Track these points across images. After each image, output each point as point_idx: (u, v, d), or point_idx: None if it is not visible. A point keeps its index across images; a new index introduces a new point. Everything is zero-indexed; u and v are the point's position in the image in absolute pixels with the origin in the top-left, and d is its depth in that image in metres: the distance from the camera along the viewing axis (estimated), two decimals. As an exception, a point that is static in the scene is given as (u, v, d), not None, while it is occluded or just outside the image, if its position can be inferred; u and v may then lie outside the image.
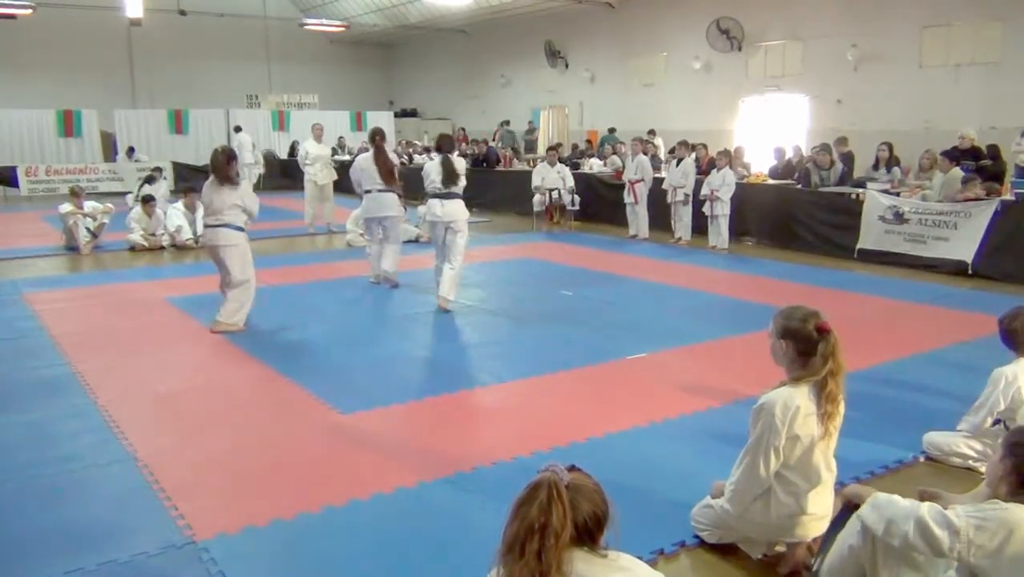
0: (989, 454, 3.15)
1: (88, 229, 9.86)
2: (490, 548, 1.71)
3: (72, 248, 9.82)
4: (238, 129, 17.73)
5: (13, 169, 16.78)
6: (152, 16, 18.32)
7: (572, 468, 1.73)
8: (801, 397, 2.57)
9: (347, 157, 18.10)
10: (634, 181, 10.76)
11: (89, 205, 10.07)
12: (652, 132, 15.27)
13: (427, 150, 18.74)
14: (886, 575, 2.30)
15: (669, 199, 10.48)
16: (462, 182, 6.75)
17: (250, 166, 17.22)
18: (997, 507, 2.07)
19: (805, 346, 2.59)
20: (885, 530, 2.21)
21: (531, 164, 14.37)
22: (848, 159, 10.68)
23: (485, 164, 14.89)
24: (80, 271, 8.88)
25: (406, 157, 17.60)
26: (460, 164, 6.83)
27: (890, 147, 10.26)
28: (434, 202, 6.66)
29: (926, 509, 2.15)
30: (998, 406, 3.42)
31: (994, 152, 9.72)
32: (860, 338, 5.47)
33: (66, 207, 9.85)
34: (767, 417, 2.56)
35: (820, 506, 2.67)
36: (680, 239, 10.39)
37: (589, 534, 1.69)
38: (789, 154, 11.82)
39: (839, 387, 2.58)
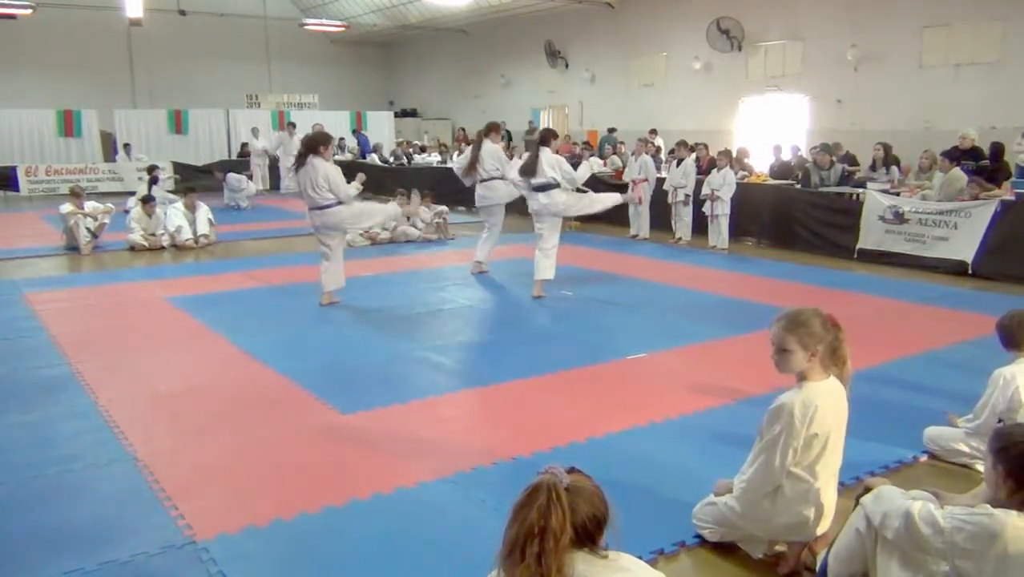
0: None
1: (88, 229, 9.85)
2: (490, 548, 1.71)
3: (72, 248, 9.81)
4: (293, 125, 17.35)
5: (13, 169, 16.75)
6: (152, 16, 18.31)
7: (571, 470, 1.73)
8: (818, 393, 2.59)
9: (347, 157, 18.12)
10: (638, 181, 10.77)
11: (89, 205, 10.06)
12: (653, 132, 15.26)
13: (424, 149, 18.75)
14: (881, 562, 2.34)
15: (670, 199, 10.49)
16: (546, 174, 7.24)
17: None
18: (984, 513, 2.11)
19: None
20: (881, 522, 2.30)
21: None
22: (849, 160, 10.67)
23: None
24: (80, 271, 8.88)
25: (405, 158, 17.61)
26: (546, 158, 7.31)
27: (886, 147, 10.23)
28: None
29: (918, 507, 2.21)
30: (999, 406, 3.43)
31: (996, 152, 9.66)
32: (860, 338, 5.40)
33: (67, 207, 9.84)
34: (787, 418, 2.57)
35: (824, 505, 2.68)
36: (680, 239, 10.40)
37: (589, 536, 1.69)
38: (788, 156, 11.82)
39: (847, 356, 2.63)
